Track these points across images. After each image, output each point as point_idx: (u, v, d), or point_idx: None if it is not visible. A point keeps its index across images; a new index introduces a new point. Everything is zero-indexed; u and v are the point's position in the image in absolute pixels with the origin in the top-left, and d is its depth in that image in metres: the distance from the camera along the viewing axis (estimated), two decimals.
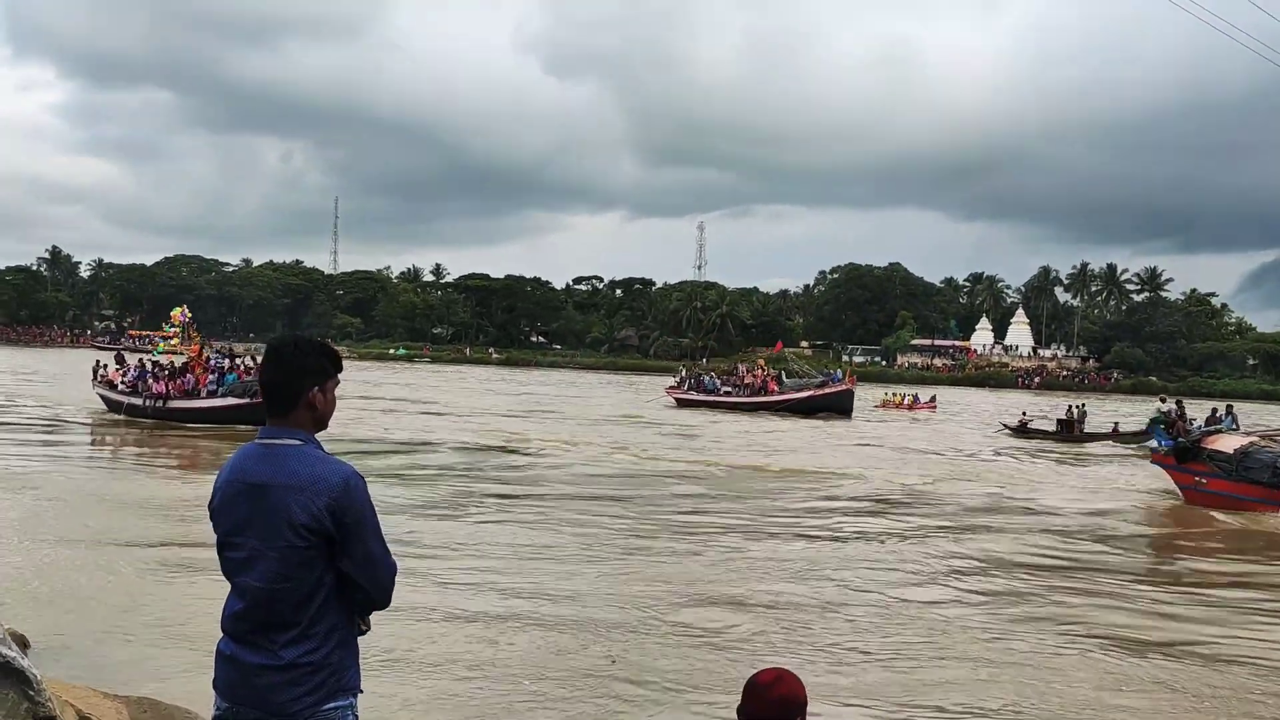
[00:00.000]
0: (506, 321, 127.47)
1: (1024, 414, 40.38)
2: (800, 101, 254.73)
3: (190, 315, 35.76)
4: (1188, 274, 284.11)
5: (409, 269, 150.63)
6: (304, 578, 2.74)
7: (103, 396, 32.08)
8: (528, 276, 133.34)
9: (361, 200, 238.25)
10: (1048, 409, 48.01)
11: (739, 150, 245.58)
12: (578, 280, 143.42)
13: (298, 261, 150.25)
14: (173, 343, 33.38)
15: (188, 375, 30.24)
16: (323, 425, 2.92)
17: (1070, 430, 36.56)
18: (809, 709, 2.73)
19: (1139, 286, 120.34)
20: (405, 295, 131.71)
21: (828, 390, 43.92)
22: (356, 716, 2.87)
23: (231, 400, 28.27)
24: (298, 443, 2.82)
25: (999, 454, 30.14)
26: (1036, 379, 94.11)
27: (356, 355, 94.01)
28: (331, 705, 2.77)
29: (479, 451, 24.93)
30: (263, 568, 2.75)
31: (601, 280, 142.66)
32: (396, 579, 2.91)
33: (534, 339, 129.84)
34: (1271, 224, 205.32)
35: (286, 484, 2.74)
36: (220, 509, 2.86)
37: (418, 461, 22.42)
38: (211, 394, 29.12)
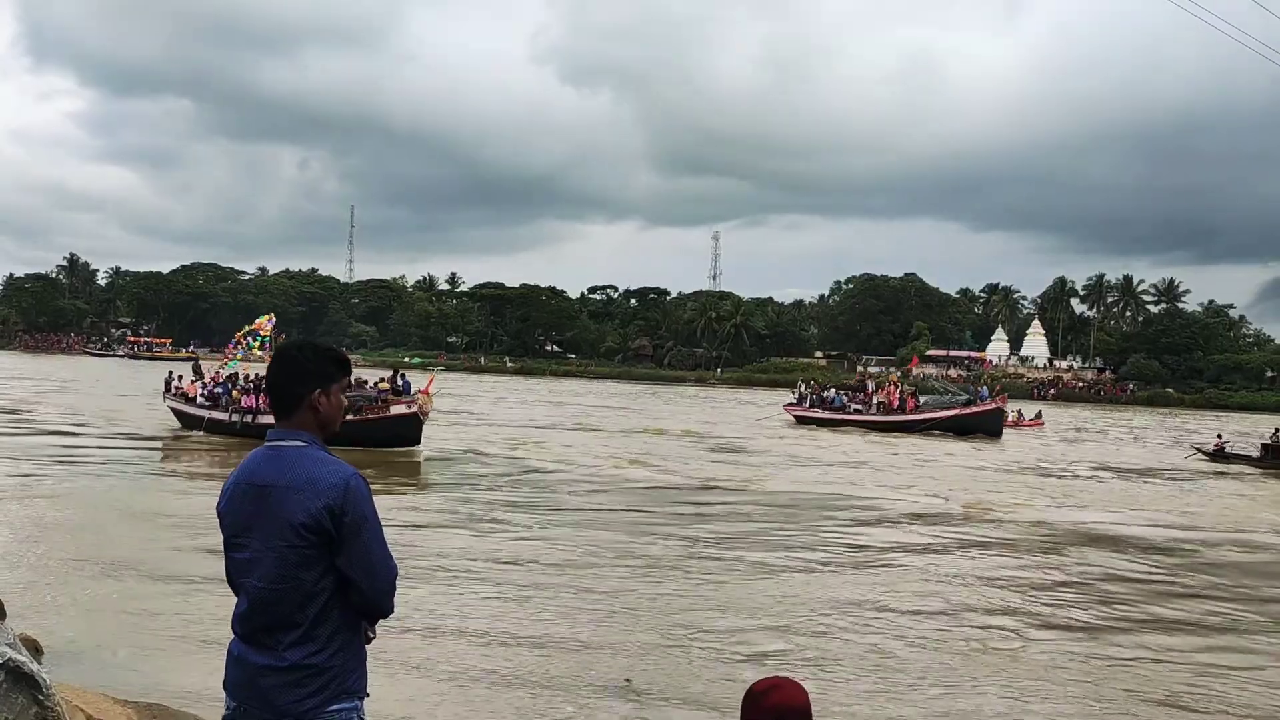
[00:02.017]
0: (521, 330, 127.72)
1: (1219, 436, 36.47)
2: (818, 112, 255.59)
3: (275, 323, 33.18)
4: (1205, 285, 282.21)
5: (424, 278, 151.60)
6: (304, 579, 2.75)
7: (176, 411, 29.71)
8: (543, 286, 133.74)
9: (377, 209, 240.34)
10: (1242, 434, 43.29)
11: (755, 160, 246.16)
12: (593, 290, 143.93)
13: (313, 270, 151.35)
14: (258, 354, 30.66)
15: None
16: (329, 428, 2.93)
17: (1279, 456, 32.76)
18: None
19: (1156, 298, 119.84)
20: (420, 304, 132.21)
21: (975, 410, 40.66)
22: (361, 719, 2.86)
23: None
24: (302, 444, 2.84)
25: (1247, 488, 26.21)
26: (1052, 390, 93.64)
27: (370, 364, 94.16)
28: (335, 708, 2.77)
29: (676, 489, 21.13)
30: (264, 568, 2.77)
31: (616, 290, 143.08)
32: (404, 588, 2.89)
33: (549, 348, 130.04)
34: None
35: (288, 485, 2.76)
36: (227, 510, 2.88)
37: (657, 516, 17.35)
38: None
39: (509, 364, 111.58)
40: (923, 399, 43.67)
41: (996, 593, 12.03)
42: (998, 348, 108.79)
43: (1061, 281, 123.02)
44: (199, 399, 28.96)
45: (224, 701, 2.87)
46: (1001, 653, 9.42)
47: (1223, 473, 30.37)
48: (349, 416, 25.23)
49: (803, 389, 48.74)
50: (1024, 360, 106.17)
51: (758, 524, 16.56)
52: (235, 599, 2.91)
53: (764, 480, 22.76)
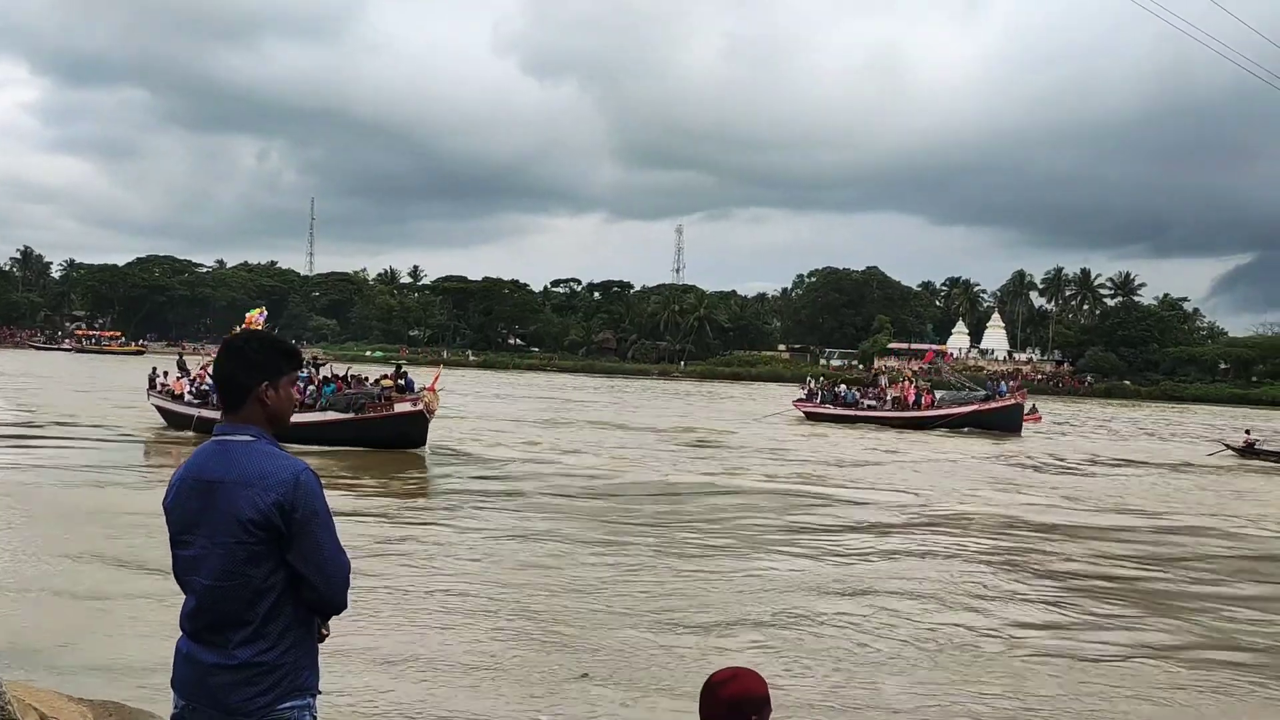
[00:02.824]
0: (484, 324, 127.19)
1: (1248, 433, 34.86)
2: (782, 105, 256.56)
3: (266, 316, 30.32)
4: (1161, 278, 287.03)
5: (386, 271, 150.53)
6: (252, 575, 2.70)
7: (162, 409, 28.27)
8: (506, 279, 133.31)
9: (339, 201, 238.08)
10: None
11: (720, 153, 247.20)
12: (556, 283, 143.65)
13: (272, 263, 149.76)
14: None
15: None
16: (278, 422, 2.87)
17: None
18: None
19: (1113, 291, 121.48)
20: (382, 297, 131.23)
21: (994, 405, 39.78)
22: (314, 717, 2.83)
23: (333, 415, 25.06)
24: (249, 439, 2.79)
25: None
26: (1011, 383, 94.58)
27: (331, 358, 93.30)
28: (286, 705, 2.73)
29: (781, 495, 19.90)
30: (210, 565, 2.72)
31: (579, 283, 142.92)
32: (351, 578, 2.85)
33: (511, 341, 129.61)
34: (1243, 228, 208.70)
35: (236, 480, 2.70)
36: (173, 506, 2.82)
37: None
38: (308, 407, 25.21)
39: (471, 357, 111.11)
40: (939, 395, 42.74)
41: (1026, 600, 11.69)
42: (958, 340, 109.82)
43: (1020, 275, 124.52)
44: (187, 396, 27.64)
45: (172, 700, 2.82)
46: (977, 652, 9.44)
47: (1270, 470, 29.14)
48: (350, 415, 24.74)
49: (813, 384, 47.62)
50: (984, 353, 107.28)
51: (760, 521, 16.44)
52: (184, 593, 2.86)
53: (772, 476, 22.48)
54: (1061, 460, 29.62)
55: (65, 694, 6.20)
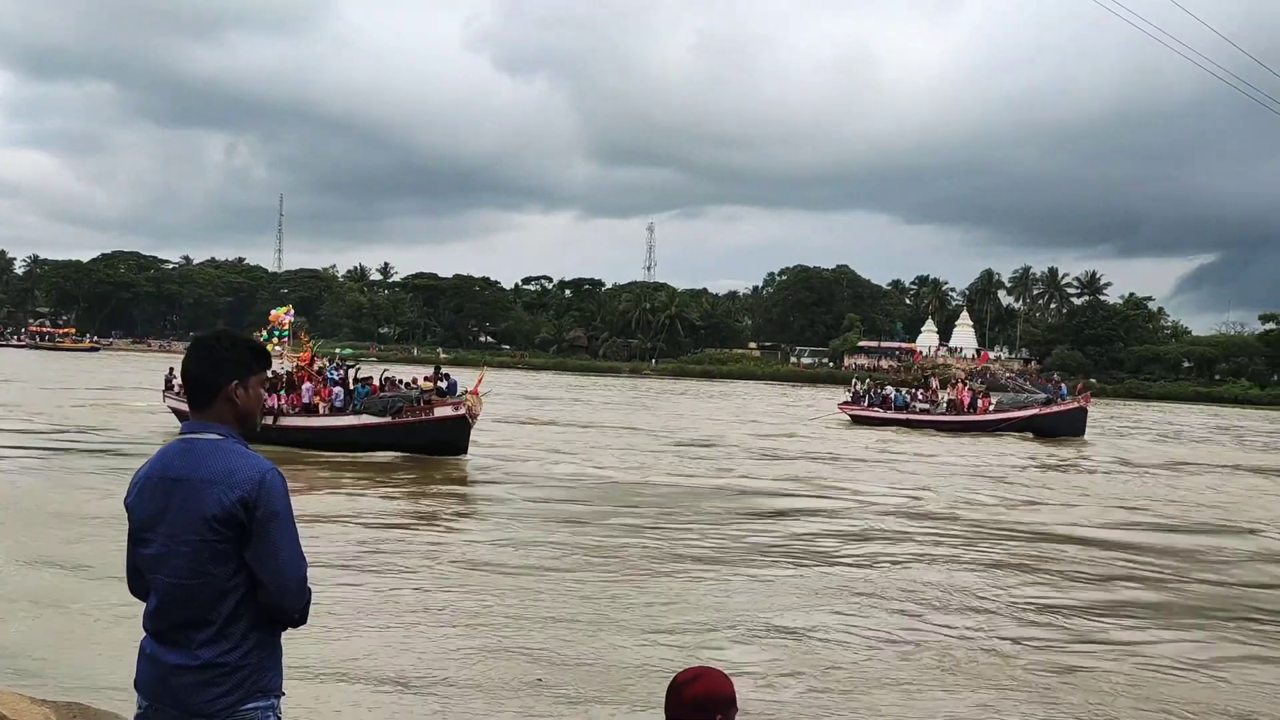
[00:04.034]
0: (455, 321, 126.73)
1: None
2: (754, 103, 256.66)
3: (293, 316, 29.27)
4: (1127, 278, 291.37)
5: (355, 268, 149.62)
6: (217, 574, 2.70)
7: (179, 411, 26.26)
8: (476, 276, 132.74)
9: (308, 197, 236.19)
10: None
11: (692, 151, 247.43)
12: (527, 280, 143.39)
13: (241, 259, 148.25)
14: (274, 349, 26.43)
15: (304, 387, 24.95)
16: (247, 421, 2.87)
17: None
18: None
19: (1079, 290, 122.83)
20: (351, 294, 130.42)
21: (1056, 409, 37.90)
22: (279, 718, 2.82)
23: (368, 419, 23.62)
24: (217, 437, 2.78)
25: None
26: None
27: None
28: (250, 706, 2.73)
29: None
30: (174, 563, 2.71)
31: (551, 281, 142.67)
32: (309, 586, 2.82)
33: (482, 339, 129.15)
34: (1208, 228, 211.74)
35: (202, 478, 2.70)
36: (136, 504, 2.81)
37: None
38: (338, 411, 24.09)
39: (442, 355, 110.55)
40: (995, 398, 41.01)
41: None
42: (927, 339, 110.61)
43: (989, 274, 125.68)
44: None
45: (136, 700, 2.81)
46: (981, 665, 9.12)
47: None
48: (387, 419, 23.38)
49: (859, 387, 45.12)
50: (953, 351, 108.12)
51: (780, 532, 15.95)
52: (133, 595, 2.87)
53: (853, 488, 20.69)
54: (1141, 466, 28.25)
55: (29, 696, 6.14)
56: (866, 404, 42.14)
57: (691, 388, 77.10)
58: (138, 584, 2.87)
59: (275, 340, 27.08)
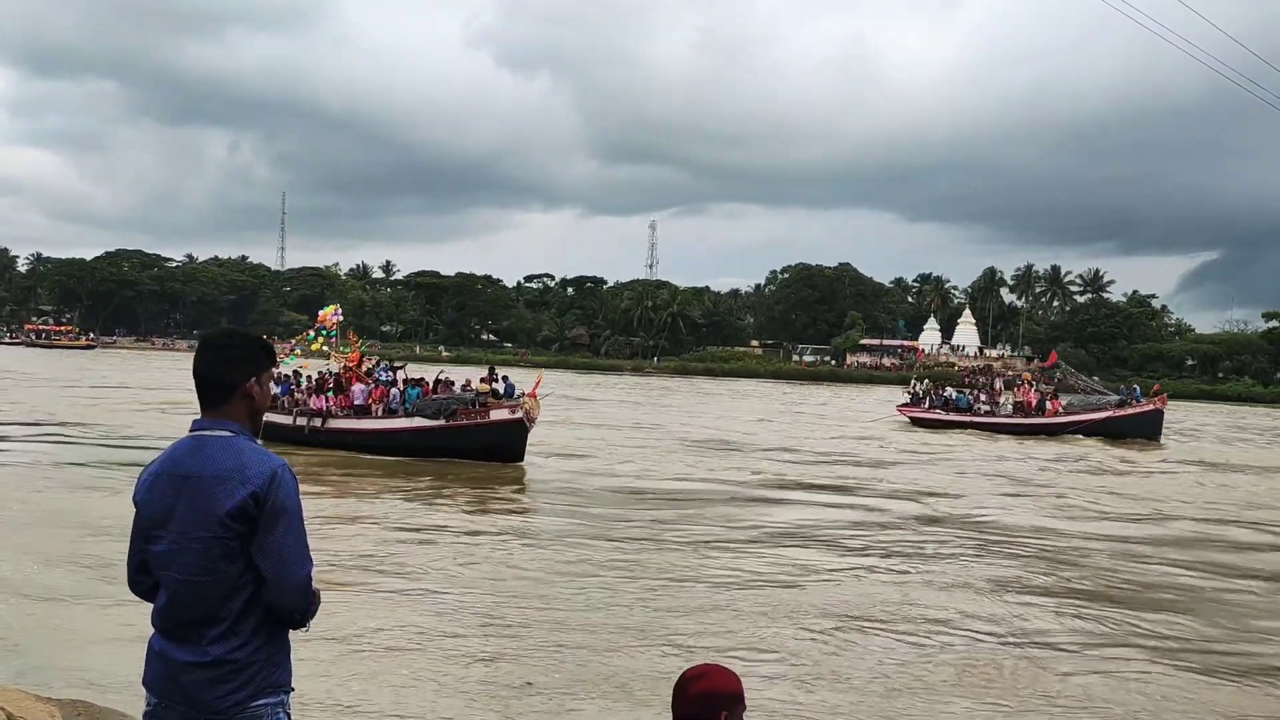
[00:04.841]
0: (457, 319, 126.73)
1: None
2: (756, 101, 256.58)
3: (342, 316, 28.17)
4: (1130, 275, 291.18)
5: (358, 266, 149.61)
6: (228, 571, 2.70)
7: None
8: (479, 274, 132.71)
9: (310, 195, 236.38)
10: None
11: (694, 149, 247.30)
12: (529, 278, 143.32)
13: (243, 257, 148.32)
14: (321, 348, 26.13)
15: (354, 388, 24.39)
16: (258, 417, 2.89)
17: None
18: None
19: (1082, 288, 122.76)
20: (354, 292, 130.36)
21: (1130, 411, 37.04)
22: (288, 714, 2.83)
23: (421, 422, 22.84)
24: (229, 434, 2.80)
25: None
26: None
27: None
28: (260, 702, 2.73)
29: None
30: (184, 560, 2.71)
31: (553, 278, 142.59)
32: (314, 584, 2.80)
33: (484, 337, 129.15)
34: (1211, 226, 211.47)
35: (213, 475, 2.71)
36: (145, 501, 2.81)
37: None
38: (391, 413, 23.57)
39: (444, 353, 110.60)
40: (1064, 399, 39.89)
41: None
42: (930, 337, 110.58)
43: (991, 272, 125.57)
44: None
45: (144, 697, 2.80)
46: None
47: None
48: (440, 422, 22.52)
49: (918, 388, 43.95)
50: (955, 349, 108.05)
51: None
52: (133, 592, 2.88)
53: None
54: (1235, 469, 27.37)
55: (33, 693, 6.14)
56: (927, 405, 41.17)
57: (708, 386, 76.50)
58: (139, 581, 2.87)
59: (322, 340, 26.37)
